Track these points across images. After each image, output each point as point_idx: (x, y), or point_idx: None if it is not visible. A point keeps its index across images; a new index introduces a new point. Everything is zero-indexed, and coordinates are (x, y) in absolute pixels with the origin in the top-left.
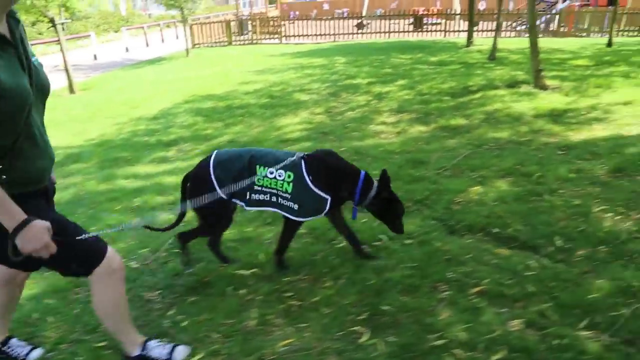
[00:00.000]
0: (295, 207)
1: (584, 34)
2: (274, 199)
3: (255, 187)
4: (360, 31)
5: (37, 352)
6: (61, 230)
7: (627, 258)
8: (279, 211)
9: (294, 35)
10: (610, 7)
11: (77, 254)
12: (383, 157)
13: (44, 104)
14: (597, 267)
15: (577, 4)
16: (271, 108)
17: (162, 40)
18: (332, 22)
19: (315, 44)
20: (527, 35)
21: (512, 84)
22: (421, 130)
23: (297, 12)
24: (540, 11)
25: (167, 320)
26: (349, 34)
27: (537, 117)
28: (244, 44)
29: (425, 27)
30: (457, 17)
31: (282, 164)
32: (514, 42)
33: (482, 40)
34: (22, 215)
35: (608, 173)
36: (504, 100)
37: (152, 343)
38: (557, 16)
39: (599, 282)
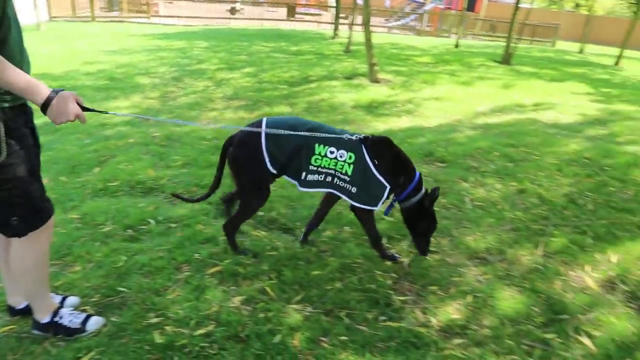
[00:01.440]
0: (354, 190)
1: (445, 35)
2: (329, 179)
3: (311, 167)
4: (233, 16)
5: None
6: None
7: (365, 237)
8: (334, 191)
9: (163, 16)
10: (467, 11)
11: (27, 205)
12: (191, 143)
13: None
14: (336, 247)
15: (442, 6)
16: (105, 90)
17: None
18: (205, 4)
19: (186, 27)
20: (396, 32)
21: (350, 76)
22: (243, 117)
23: None
24: (407, 12)
25: None
26: (222, 18)
27: (355, 108)
28: (111, 21)
29: (299, 16)
30: (333, 9)
31: (344, 142)
32: (379, 37)
33: (356, 34)
34: (46, 90)
35: None
36: (332, 91)
37: (65, 310)
38: (425, 16)
39: (330, 260)
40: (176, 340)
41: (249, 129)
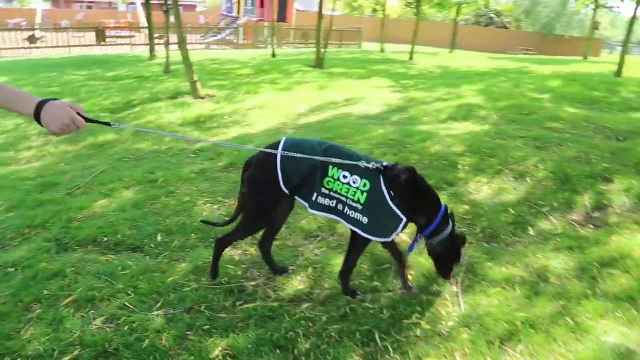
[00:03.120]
0: (365, 220)
1: (262, 46)
2: (340, 207)
3: (323, 190)
4: (33, 45)
5: None
6: None
7: (212, 240)
8: (343, 222)
9: None
10: (279, 22)
11: None
12: (13, 186)
13: None
14: (187, 253)
15: (255, 19)
16: None
17: None
18: None
19: None
20: (215, 47)
21: (174, 96)
22: (67, 150)
23: None
24: (222, 27)
25: None
26: (19, 48)
27: (183, 125)
28: None
29: (110, 40)
30: (147, 30)
31: (359, 169)
32: (199, 55)
33: (173, 54)
34: (36, 98)
35: (223, 168)
36: (159, 112)
37: None
38: (241, 30)
39: (183, 266)
40: None
41: (267, 150)
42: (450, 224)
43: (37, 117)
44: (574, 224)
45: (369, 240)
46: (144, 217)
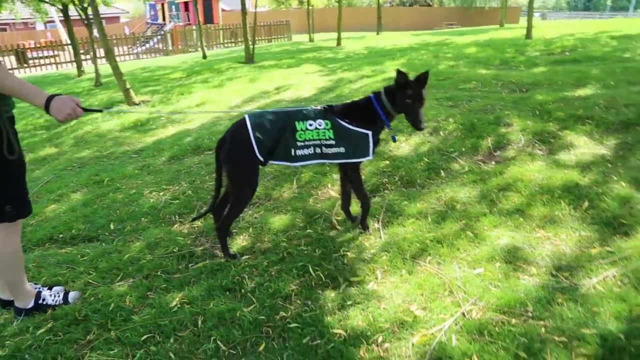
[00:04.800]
0: (342, 150)
1: (192, 49)
2: (318, 150)
3: (298, 143)
4: None
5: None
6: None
7: (161, 219)
8: (325, 161)
9: None
10: (207, 24)
11: (21, 196)
12: None
13: None
14: (140, 234)
15: (181, 24)
16: None
17: None
18: None
19: None
20: (144, 56)
21: (109, 106)
22: None
23: None
24: (149, 36)
25: None
26: None
27: (122, 131)
28: None
29: (33, 62)
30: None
31: (318, 113)
32: (128, 65)
33: (102, 67)
34: (46, 93)
35: (165, 162)
36: (95, 123)
37: (46, 292)
38: (169, 36)
39: (137, 244)
40: (22, 344)
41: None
42: (383, 94)
43: (47, 108)
44: (479, 162)
45: (356, 164)
46: (94, 212)
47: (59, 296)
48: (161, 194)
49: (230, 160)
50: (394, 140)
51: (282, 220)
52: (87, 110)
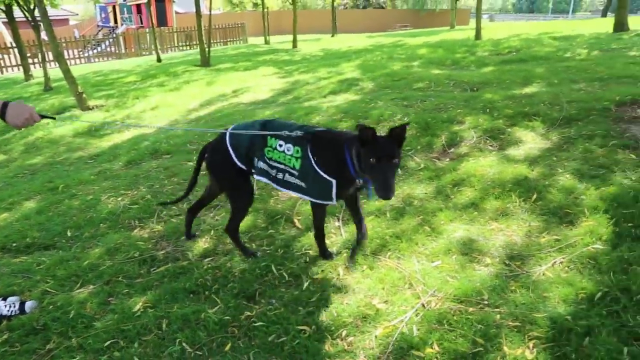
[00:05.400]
0: (303, 185)
1: (146, 52)
2: (280, 175)
3: (265, 158)
4: None
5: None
6: None
7: (120, 225)
8: (287, 191)
9: None
10: (160, 27)
11: None
12: None
13: None
14: (98, 240)
15: (134, 26)
16: None
17: None
18: None
19: None
20: (96, 60)
21: (61, 111)
22: None
23: None
24: (100, 39)
25: None
26: None
27: (76, 137)
28: None
29: None
30: (15, 50)
31: (290, 137)
32: (80, 69)
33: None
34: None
35: (122, 167)
36: (47, 128)
37: (0, 303)
38: (121, 39)
39: (96, 251)
40: None
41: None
42: (355, 146)
43: (2, 115)
44: (434, 159)
45: (319, 204)
46: (50, 220)
47: (14, 306)
48: (119, 199)
49: (213, 169)
50: (370, 198)
51: (243, 221)
52: (43, 117)
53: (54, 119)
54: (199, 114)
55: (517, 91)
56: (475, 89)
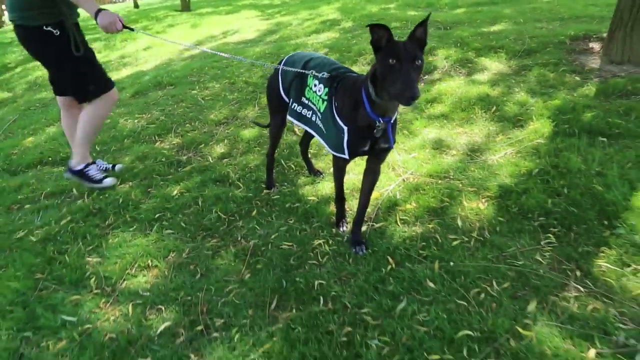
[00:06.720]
0: (324, 130)
1: (120, 0)
2: (312, 116)
3: (303, 99)
4: None
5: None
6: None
7: (143, 140)
8: (310, 130)
9: None
10: None
11: (98, 77)
12: None
13: None
14: (127, 151)
15: None
16: None
17: None
18: None
19: None
20: None
21: None
22: None
23: None
24: None
25: None
26: None
27: None
28: None
29: None
30: None
31: (324, 78)
32: None
33: None
34: (97, 6)
35: (130, 97)
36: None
37: (93, 166)
38: None
39: (127, 158)
40: (50, 232)
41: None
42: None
43: (96, 17)
44: None
45: (337, 158)
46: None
47: (99, 174)
48: (136, 121)
49: (267, 91)
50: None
51: (250, 133)
52: (124, 27)
53: (133, 30)
54: (192, 53)
55: (486, 29)
56: (448, 27)
